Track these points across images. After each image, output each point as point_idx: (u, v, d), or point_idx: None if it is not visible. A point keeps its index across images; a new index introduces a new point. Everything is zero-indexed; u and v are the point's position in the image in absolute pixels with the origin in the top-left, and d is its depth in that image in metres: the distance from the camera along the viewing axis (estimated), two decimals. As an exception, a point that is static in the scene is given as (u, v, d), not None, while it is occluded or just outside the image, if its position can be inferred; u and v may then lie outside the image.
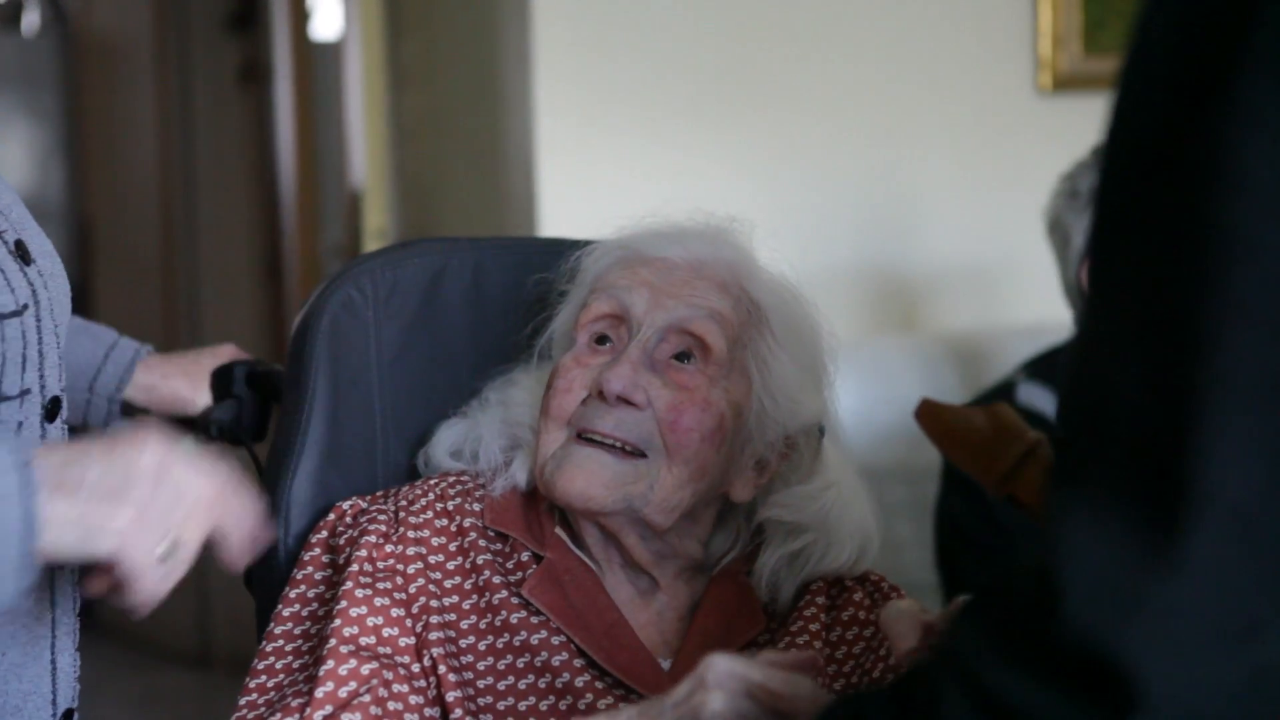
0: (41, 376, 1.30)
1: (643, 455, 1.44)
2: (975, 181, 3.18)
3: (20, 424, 1.28)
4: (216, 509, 1.17)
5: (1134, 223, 0.73)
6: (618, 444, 1.44)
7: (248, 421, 1.74)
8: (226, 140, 5.13)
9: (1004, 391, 2.45)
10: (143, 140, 5.28)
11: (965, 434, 1.26)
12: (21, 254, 1.31)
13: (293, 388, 1.60)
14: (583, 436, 1.45)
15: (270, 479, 1.59)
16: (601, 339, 1.49)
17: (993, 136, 3.21)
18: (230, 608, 4.74)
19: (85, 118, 5.69)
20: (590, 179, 2.93)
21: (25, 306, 1.28)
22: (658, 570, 1.48)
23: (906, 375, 2.84)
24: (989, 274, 3.18)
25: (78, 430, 1.74)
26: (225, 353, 1.83)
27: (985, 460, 1.23)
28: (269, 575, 1.56)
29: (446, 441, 1.56)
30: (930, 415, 1.29)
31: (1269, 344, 0.69)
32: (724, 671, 1.12)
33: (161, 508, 1.13)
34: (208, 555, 1.19)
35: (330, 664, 1.36)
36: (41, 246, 1.35)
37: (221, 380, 1.75)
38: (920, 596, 2.51)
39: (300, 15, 4.59)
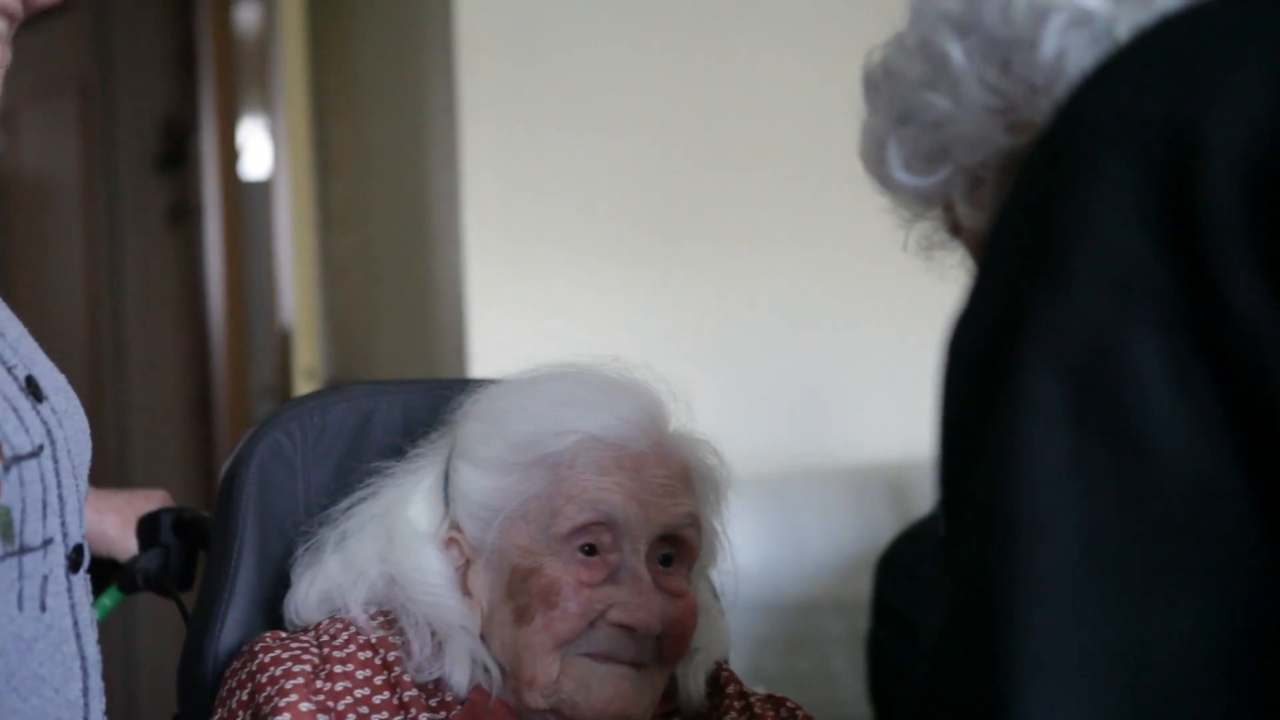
0: (63, 523, 1.23)
1: (643, 665, 1.43)
2: (900, 315, 3.22)
3: (45, 576, 1.21)
4: None
5: (954, 519, 0.78)
6: (631, 664, 1.43)
7: (174, 570, 1.72)
8: (156, 279, 5.12)
9: (932, 523, 2.46)
10: (71, 279, 5.26)
11: None
12: (33, 391, 1.24)
13: (221, 535, 1.59)
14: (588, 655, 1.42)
15: (198, 627, 1.57)
16: (588, 548, 1.43)
17: (916, 264, 3.24)
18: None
19: (13, 258, 5.67)
20: (520, 317, 2.94)
21: (41, 447, 1.21)
22: None
23: (838, 509, 2.85)
24: (916, 405, 3.21)
25: None
26: (156, 498, 1.82)
27: None
28: (197, 723, 1.54)
29: (313, 599, 1.50)
30: None
31: (1064, 622, 0.72)
32: None
33: None
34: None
35: None
36: (54, 382, 1.28)
37: (148, 528, 1.74)
38: (856, 731, 2.51)
39: (229, 155, 4.60)
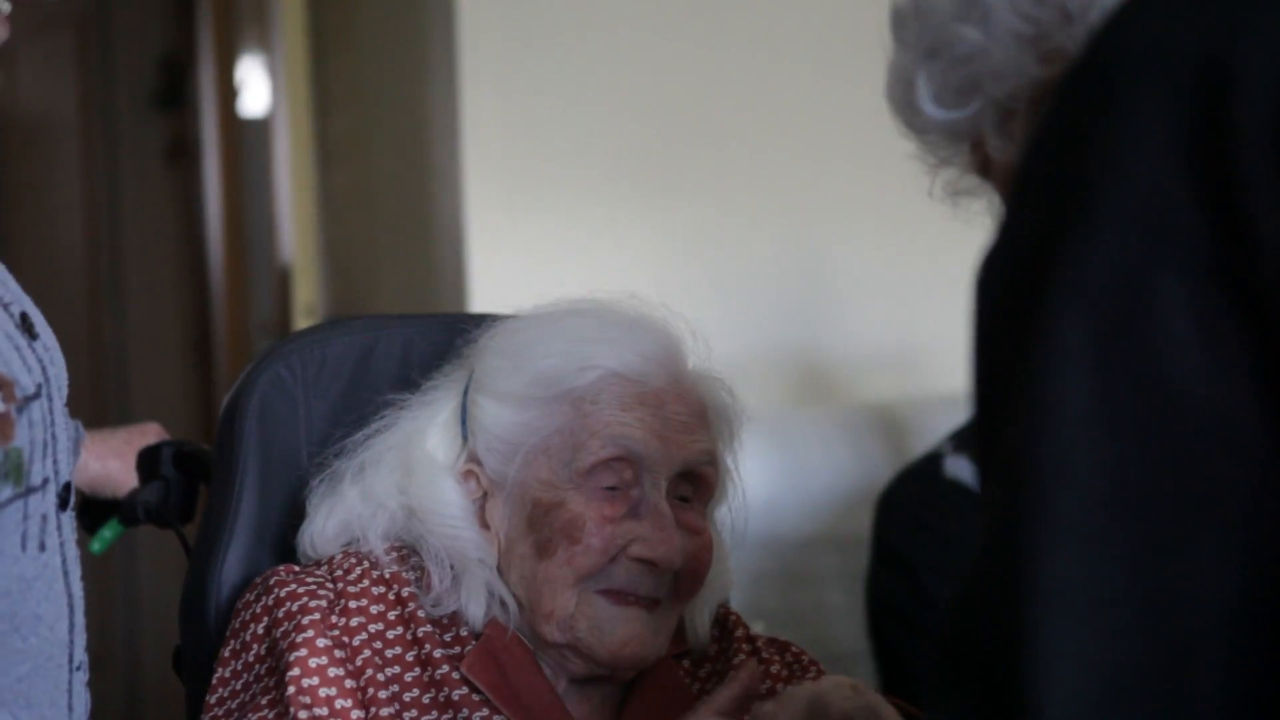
0: (55, 462, 1.23)
1: (658, 602, 1.44)
2: (897, 254, 3.22)
3: (44, 516, 1.21)
4: None
5: (989, 459, 0.78)
6: (649, 600, 1.44)
7: (175, 503, 1.73)
8: (154, 217, 5.12)
9: (931, 463, 2.46)
10: (70, 218, 5.26)
11: None
12: (28, 328, 1.23)
13: (222, 468, 1.59)
14: (606, 592, 1.43)
15: (200, 561, 1.58)
16: (610, 483, 1.44)
17: (916, 208, 3.24)
18: (161, 689, 4.69)
19: (11, 196, 5.66)
20: (519, 254, 2.94)
21: (40, 387, 1.21)
22: None
23: (836, 445, 2.85)
24: (912, 345, 3.21)
25: None
26: (151, 431, 1.82)
27: None
28: (200, 658, 1.55)
29: (331, 531, 1.50)
30: None
31: (1085, 562, 0.72)
32: None
33: None
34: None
35: None
36: (40, 320, 1.27)
37: (148, 461, 1.74)
38: (852, 666, 2.52)
39: (228, 92, 4.59)
